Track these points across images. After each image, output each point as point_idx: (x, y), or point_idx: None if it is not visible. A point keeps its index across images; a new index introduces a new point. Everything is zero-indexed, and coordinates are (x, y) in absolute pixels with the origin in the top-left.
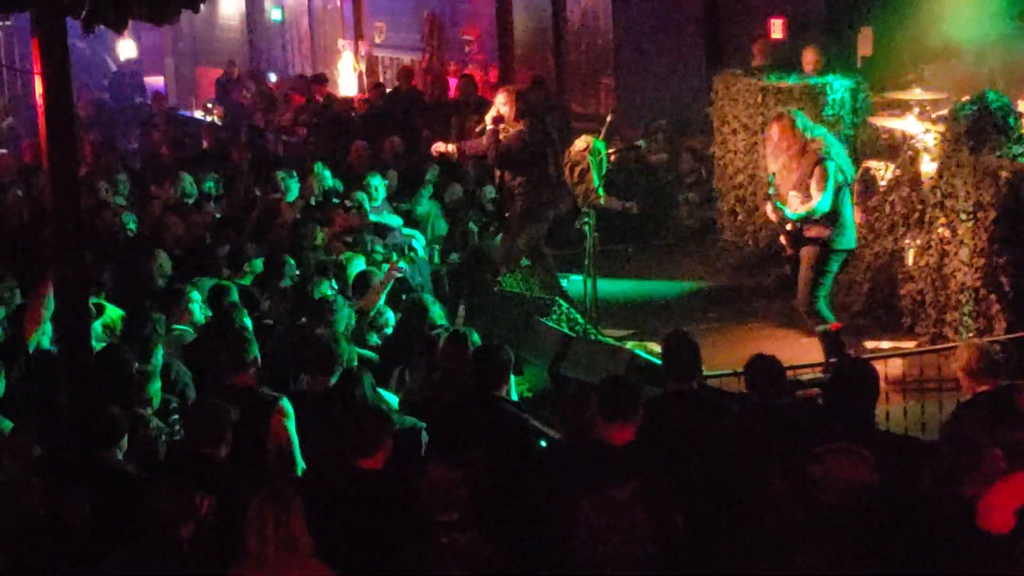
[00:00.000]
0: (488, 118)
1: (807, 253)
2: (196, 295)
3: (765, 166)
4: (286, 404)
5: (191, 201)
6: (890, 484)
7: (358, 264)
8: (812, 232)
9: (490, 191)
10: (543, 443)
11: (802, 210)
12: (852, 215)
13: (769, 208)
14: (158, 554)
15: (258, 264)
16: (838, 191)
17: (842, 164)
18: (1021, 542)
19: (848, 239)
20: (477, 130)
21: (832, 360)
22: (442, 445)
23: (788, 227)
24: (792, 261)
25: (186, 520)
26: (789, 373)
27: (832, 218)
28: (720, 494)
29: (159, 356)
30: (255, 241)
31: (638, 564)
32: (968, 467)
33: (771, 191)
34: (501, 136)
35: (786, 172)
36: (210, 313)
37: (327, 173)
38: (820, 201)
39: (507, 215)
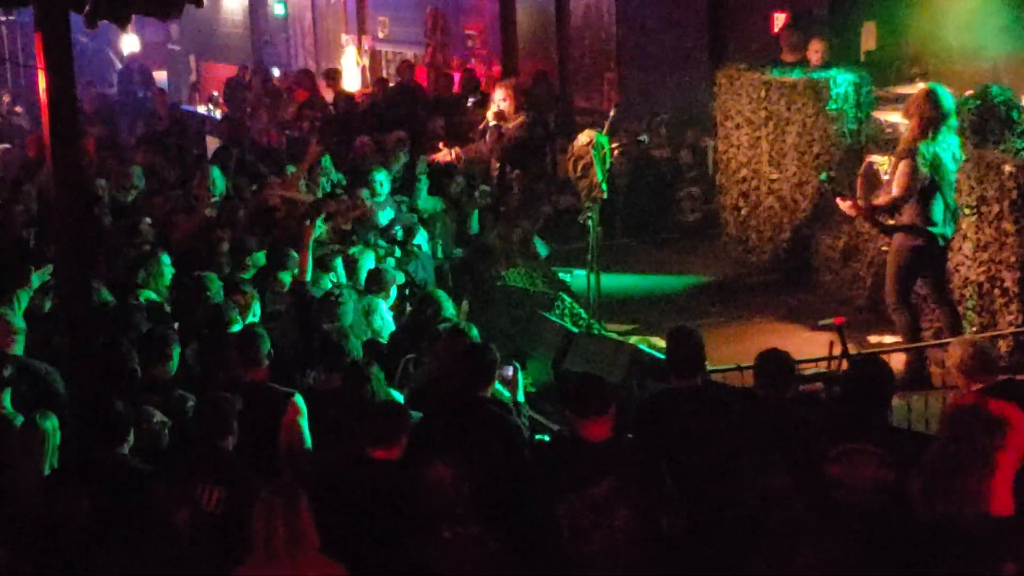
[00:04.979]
0: (489, 114)
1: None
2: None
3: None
4: (299, 400)
5: (215, 199)
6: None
7: (368, 260)
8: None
9: (484, 191)
10: (546, 438)
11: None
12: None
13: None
14: (153, 540)
15: (260, 257)
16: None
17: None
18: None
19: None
20: (480, 128)
21: (835, 356)
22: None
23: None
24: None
25: (179, 506)
26: None
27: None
28: (725, 490)
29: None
30: (254, 235)
31: (624, 565)
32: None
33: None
34: (503, 130)
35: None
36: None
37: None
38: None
39: (503, 209)
